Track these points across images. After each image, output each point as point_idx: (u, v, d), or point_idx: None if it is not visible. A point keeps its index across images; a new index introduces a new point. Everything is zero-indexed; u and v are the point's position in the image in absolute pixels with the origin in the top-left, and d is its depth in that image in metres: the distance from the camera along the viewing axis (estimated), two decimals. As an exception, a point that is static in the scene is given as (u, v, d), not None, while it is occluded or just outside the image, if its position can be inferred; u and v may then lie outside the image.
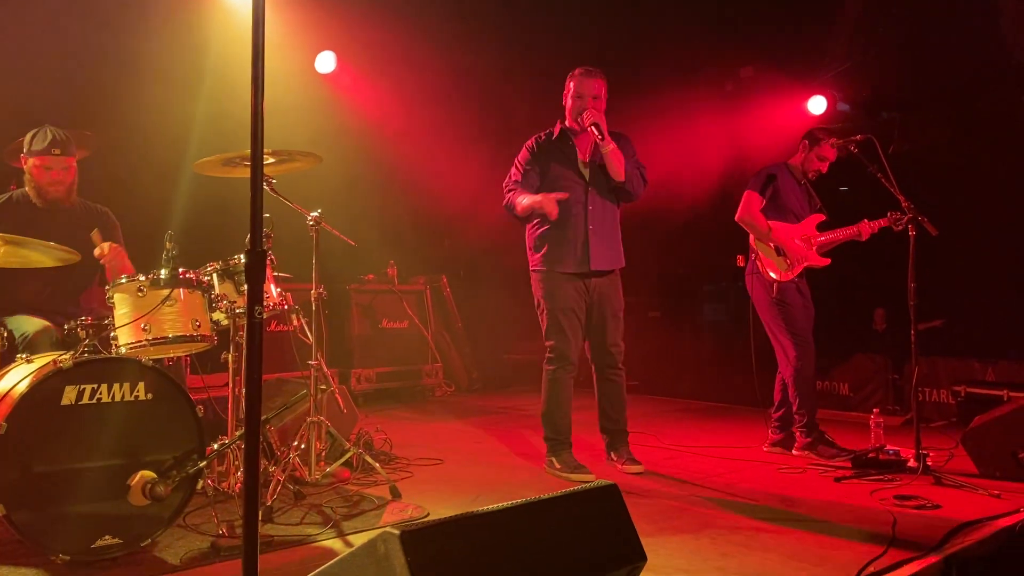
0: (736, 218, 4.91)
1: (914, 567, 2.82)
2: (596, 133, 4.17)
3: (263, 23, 1.81)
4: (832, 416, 6.06)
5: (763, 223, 4.83)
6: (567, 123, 4.40)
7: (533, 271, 4.41)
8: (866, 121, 7.14)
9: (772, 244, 4.83)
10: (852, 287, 4.99)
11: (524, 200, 4.27)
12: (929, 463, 4.15)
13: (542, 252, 4.35)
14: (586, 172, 4.34)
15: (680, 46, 7.48)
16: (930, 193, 5.61)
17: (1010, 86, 7.13)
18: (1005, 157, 7.28)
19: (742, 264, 8.49)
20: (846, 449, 4.60)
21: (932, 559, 2.89)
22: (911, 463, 4.19)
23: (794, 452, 4.77)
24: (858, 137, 4.61)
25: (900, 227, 4.55)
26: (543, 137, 4.46)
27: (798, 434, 4.77)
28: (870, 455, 4.36)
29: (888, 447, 4.43)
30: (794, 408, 4.78)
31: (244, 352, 1.95)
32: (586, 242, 4.27)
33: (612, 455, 4.42)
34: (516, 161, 4.46)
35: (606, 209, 4.36)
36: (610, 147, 4.21)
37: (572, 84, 4.34)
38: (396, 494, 3.72)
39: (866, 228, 4.85)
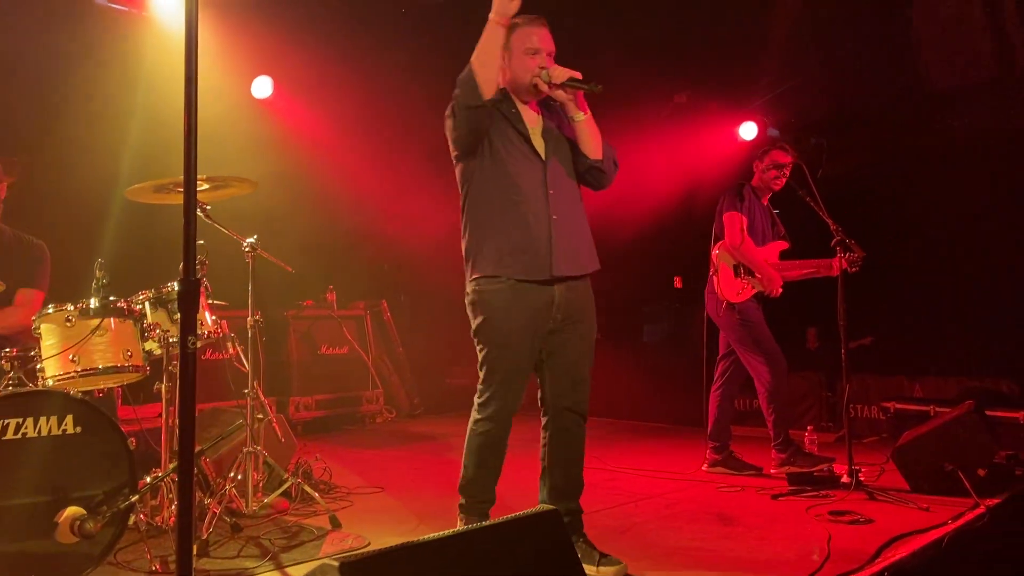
0: (730, 246, 4.83)
1: (849, 581, 2.89)
2: (569, 93, 3.16)
3: (196, 46, 1.79)
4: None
5: (755, 249, 4.86)
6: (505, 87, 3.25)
7: (471, 282, 3.17)
8: (795, 146, 7.34)
9: (759, 274, 4.80)
10: (785, 306, 5.09)
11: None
12: (862, 478, 4.26)
13: (485, 254, 3.14)
14: (541, 146, 3.22)
15: (616, 72, 7.62)
16: (857, 215, 5.81)
17: (929, 111, 7.44)
18: (926, 179, 7.58)
19: (679, 286, 8.62)
20: (824, 457, 4.68)
21: (866, 573, 2.97)
22: (844, 479, 4.30)
23: (772, 472, 4.74)
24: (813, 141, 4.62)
25: (855, 269, 4.58)
26: None
27: (774, 452, 4.78)
28: (815, 472, 4.47)
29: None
30: (768, 425, 4.79)
31: (177, 382, 1.90)
32: (550, 237, 3.12)
33: None
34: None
35: (571, 194, 3.26)
36: (587, 113, 3.23)
37: (516, 37, 3.18)
38: (336, 524, 3.66)
39: (837, 264, 4.61)
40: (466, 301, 3.22)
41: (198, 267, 3.50)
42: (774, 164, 4.91)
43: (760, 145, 7.61)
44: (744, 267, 4.85)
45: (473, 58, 3.01)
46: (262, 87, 6.96)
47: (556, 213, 3.15)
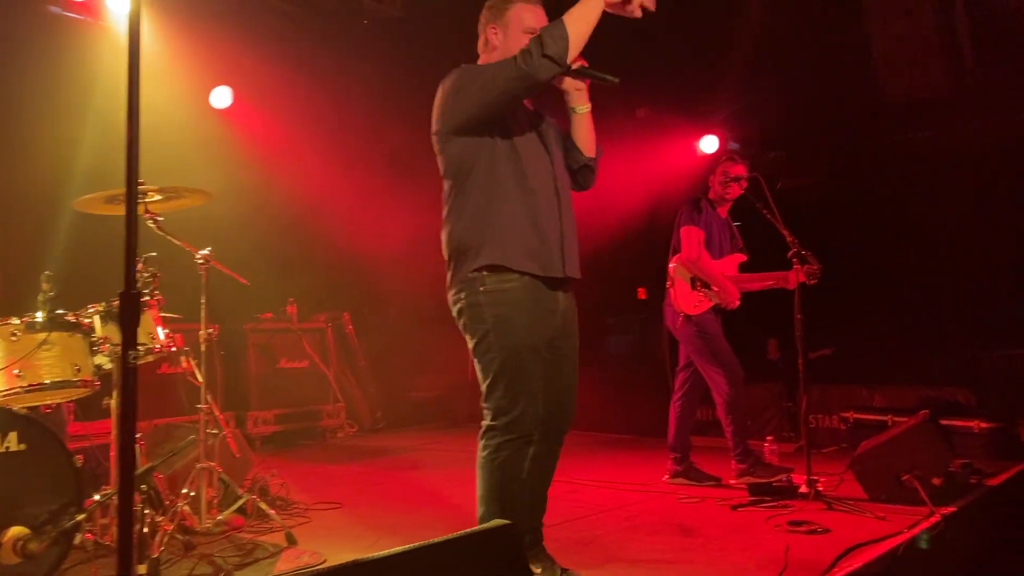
0: (686, 260, 4.85)
1: (806, 592, 2.90)
2: (577, 82, 2.93)
3: (138, 50, 1.75)
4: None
5: (710, 262, 4.88)
6: None
7: (470, 279, 2.77)
8: (754, 159, 7.44)
9: (715, 287, 4.82)
10: (746, 317, 5.13)
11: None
12: (820, 488, 4.28)
13: (494, 242, 2.76)
14: (548, 138, 2.99)
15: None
16: (817, 227, 5.88)
17: (886, 125, 7.58)
18: (884, 192, 7.72)
19: (643, 297, 8.66)
20: (782, 467, 4.70)
21: (822, 583, 2.98)
22: (803, 489, 4.32)
23: (732, 482, 4.74)
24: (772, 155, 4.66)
25: (813, 281, 4.61)
26: None
27: (735, 463, 4.79)
28: (774, 483, 4.49)
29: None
30: (727, 435, 4.81)
31: (120, 400, 1.85)
32: (561, 234, 2.88)
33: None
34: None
35: (569, 192, 3.04)
36: (589, 105, 3.00)
37: (514, 13, 2.91)
38: (292, 541, 3.60)
39: (794, 276, 4.61)
40: (460, 305, 2.80)
41: (150, 279, 3.48)
42: (726, 176, 4.95)
43: (719, 158, 7.73)
44: (701, 280, 4.88)
45: (571, 29, 2.63)
46: (222, 97, 6.88)
47: (564, 210, 2.92)
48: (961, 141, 7.41)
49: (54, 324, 3.17)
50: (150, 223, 3.64)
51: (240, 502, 3.82)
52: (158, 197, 3.68)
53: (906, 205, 7.50)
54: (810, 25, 6.84)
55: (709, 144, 8.16)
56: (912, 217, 7.42)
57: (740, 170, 4.92)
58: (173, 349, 3.63)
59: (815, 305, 4.71)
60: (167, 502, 3.69)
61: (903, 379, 7.05)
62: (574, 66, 2.79)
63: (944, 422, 5.07)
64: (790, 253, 4.61)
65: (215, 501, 3.84)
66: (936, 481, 4.10)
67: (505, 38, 2.91)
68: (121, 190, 3.45)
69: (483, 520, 2.71)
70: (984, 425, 5.51)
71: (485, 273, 2.75)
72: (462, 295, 2.79)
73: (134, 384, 1.72)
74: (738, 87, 7.82)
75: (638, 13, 2.72)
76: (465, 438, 6.45)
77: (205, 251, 3.86)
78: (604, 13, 2.72)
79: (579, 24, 2.66)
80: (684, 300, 4.88)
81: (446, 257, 2.89)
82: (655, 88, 7.84)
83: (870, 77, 6.03)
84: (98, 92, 5.66)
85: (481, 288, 2.75)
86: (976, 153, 7.30)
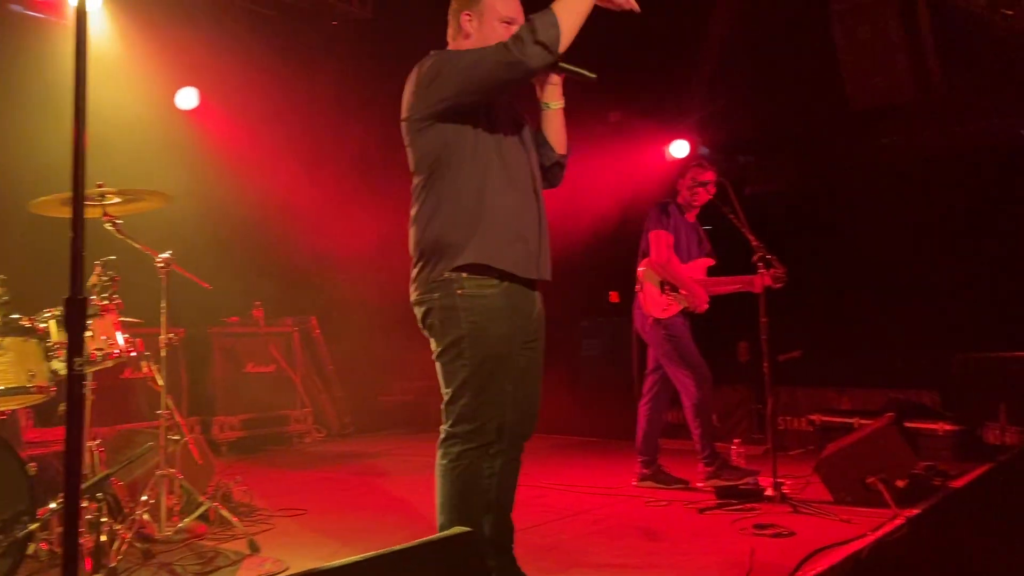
0: (655, 263, 4.87)
1: (770, 596, 2.90)
2: (553, 76, 2.84)
3: (85, 46, 1.70)
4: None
5: (679, 266, 4.89)
6: None
7: (445, 279, 2.62)
8: (724, 164, 7.48)
9: (684, 290, 4.84)
10: (716, 320, 5.15)
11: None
12: (786, 491, 4.31)
13: (472, 239, 2.61)
14: (525, 134, 2.88)
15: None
16: (786, 232, 5.93)
17: (854, 130, 7.66)
18: (852, 196, 7.80)
19: (615, 300, 8.67)
20: (749, 470, 4.72)
21: (787, 587, 2.99)
22: (769, 492, 4.34)
23: (700, 486, 4.74)
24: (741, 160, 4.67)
25: (779, 285, 4.63)
26: None
27: (702, 466, 4.80)
28: (740, 486, 4.50)
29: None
30: (695, 438, 4.82)
31: (66, 407, 1.79)
32: (539, 234, 2.77)
33: None
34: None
35: (541, 191, 2.91)
36: (563, 101, 2.92)
37: (489, 1, 2.76)
38: (254, 548, 3.54)
39: (760, 280, 4.63)
40: (430, 306, 2.65)
41: (108, 283, 3.41)
42: (694, 181, 4.98)
43: (689, 163, 7.77)
44: (670, 284, 4.89)
45: (563, 18, 2.49)
46: (187, 98, 6.79)
47: (541, 209, 2.81)
48: (926, 147, 7.51)
49: (8, 329, 3.11)
50: (109, 226, 3.57)
51: (202, 509, 3.76)
52: (118, 200, 3.61)
53: (873, 210, 7.58)
54: (778, 31, 6.90)
55: (679, 149, 8.19)
56: (878, 222, 7.50)
57: (708, 175, 4.96)
58: (133, 354, 3.58)
59: (784, 309, 4.74)
60: (126, 510, 3.63)
61: (870, 382, 7.12)
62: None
63: (909, 425, 5.13)
64: (755, 257, 4.64)
65: (176, 508, 3.77)
66: (901, 483, 4.13)
67: (480, 26, 2.76)
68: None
69: (443, 528, 2.60)
70: (948, 428, 5.58)
71: (464, 275, 2.60)
72: (435, 295, 2.63)
73: (80, 391, 1.68)
74: (708, 92, 7.87)
75: (633, 5, 2.64)
76: (434, 443, 6.40)
77: (166, 255, 3.80)
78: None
79: (571, 16, 2.53)
80: (653, 303, 4.89)
81: (415, 255, 2.72)
82: (627, 93, 7.86)
83: (837, 83, 6.08)
84: (59, 92, 5.55)
85: (459, 291, 2.60)
86: (941, 158, 7.40)
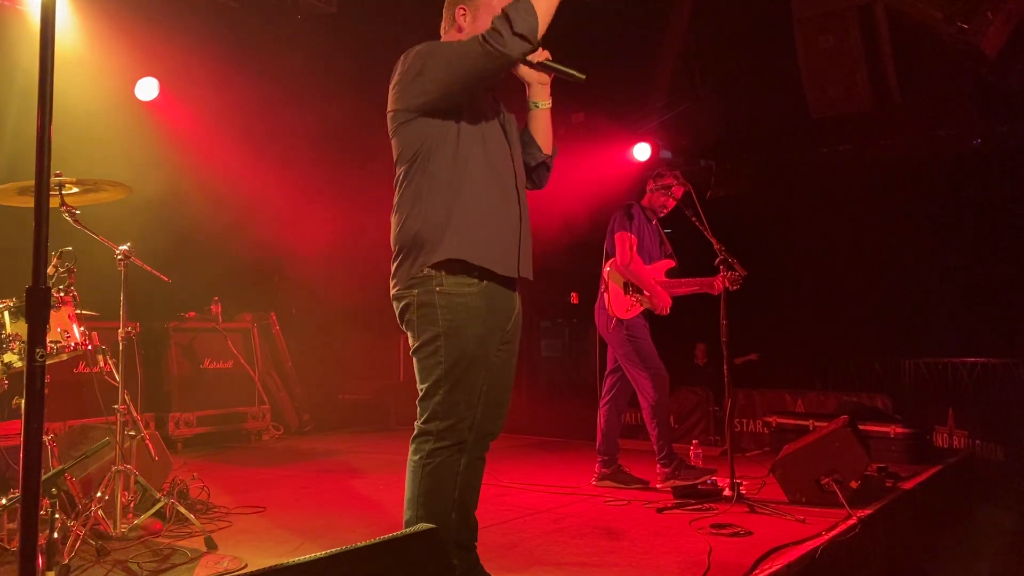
0: (619, 265, 4.90)
1: (727, 594, 2.95)
2: (542, 76, 2.84)
3: (52, 37, 1.67)
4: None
5: (643, 268, 4.93)
6: None
7: (425, 276, 2.60)
8: (686, 168, 7.58)
9: (647, 292, 4.89)
10: (675, 322, 5.21)
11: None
12: (743, 491, 4.37)
13: (453, 233, 2.59)
14: (509, 130, 2.84)
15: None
16: (745, 236, 6.01)
17: (814, 138, 7.81)
18: (811, 202, 7.95)
19: (576, 301, 8.72)
20: (706, 469, 4.78)
21: (743, 585, 3.04)
22: (727, 492, 4.40)
23: (658, 487, 4.79)
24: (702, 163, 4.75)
25: (737, 287, 4.69)
26: None
27: (659, 467, 4.85)
28: (699, 485, 4.56)
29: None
30: (652, 439, 4.86)
31: (25, 400, 1.75)
32: (519, 233, 2.75)
33: None
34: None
35: (525, 189, 2.91)
36: (551, 101, 2.91)
37: None
38: (211, 546, 3.49)
39: (719, 282, 4.72)
40: (408, 301, 2.63)
41: (65, 275, 3.35)
42: (665, 189, 5.04)
43: (654, 166, 7.85)
44: (633, 285, 4.94)
45: (537, 5, 2.45)
46: (147, 89, 6.67)
47: (523, 206, 2.77)
48: (882, 154, 7.68)
49: (-40, 320, 3.02)
50: (66, 216, 3.50)
51: (158, 506, 3.70)
52: (75, 190, 3.55)
53: (829, 216, 7.73)
54: (741, 39, 7.00)
55: (642, 151, 8.28)
56: (835, 228, 7.65)
57: (671, 180, 5.03)
58: (89, 347, 3.51)
59: (743, 313, 4.82)
60: (80, 506, 3.56)
61: (824, 385, 7.26)
62: (540, 59, 2.73)
63: (863, 427, 5.23)
64: (717, 260, 4.71)
65: (131, 505, 3.71)
66: (854, 484, 4.23)
67: (474, 20, 2.73)
68: (32, 181, 3.34)
69: (409, 524, 2.59)
70: (900, 430, 5.71)
71: (443, 273, 2.58)
72: (414, 291, 2.61)
73: (41, 384, 1.65)
74: (670, 95, 7.95)
75: None
76: (396, 441, 6.39)
77: (124, 247, 3.73)
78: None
79: (548, 6, 2.49)
80: (617, 304, 4.93)
81: (394, 247, 2.68)
82: (591, 95, 7.91)
83: (798, 91, 6.18)
84: (16, 80, 5.43)
85: (437, 288, 2.58)
86: (897, 166, 7.57)
